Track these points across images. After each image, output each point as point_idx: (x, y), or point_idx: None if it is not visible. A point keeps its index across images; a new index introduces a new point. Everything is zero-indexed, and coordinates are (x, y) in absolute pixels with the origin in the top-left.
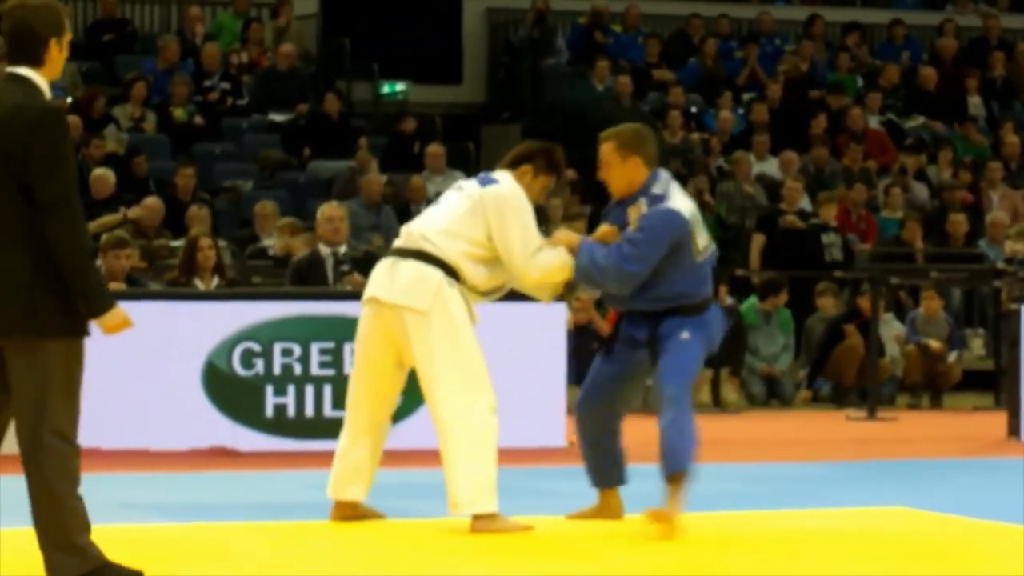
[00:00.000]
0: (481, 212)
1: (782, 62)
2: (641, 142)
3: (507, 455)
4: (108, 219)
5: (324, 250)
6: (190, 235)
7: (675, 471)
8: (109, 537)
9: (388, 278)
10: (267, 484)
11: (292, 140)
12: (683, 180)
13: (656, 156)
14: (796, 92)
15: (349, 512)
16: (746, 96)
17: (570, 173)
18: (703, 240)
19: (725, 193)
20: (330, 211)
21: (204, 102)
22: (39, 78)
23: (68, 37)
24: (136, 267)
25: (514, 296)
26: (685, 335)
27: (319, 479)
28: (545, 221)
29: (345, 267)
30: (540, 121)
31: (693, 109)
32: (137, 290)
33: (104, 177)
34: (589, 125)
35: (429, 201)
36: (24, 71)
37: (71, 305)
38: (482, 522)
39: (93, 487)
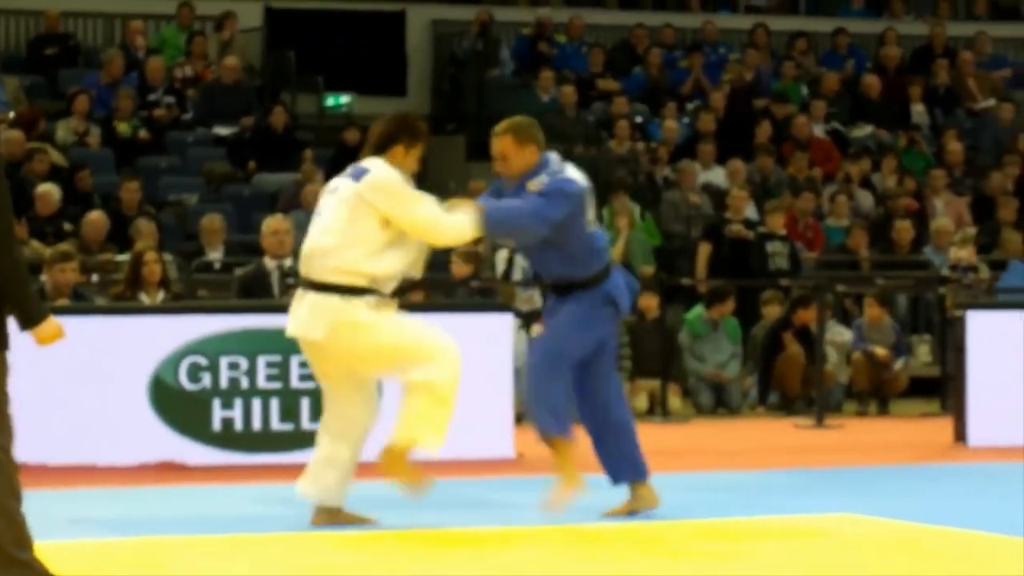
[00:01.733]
0: (365, 207)
1: (727, 71)
2: (534, 130)
3: (456, 467)
4: None
5: (270, 263)
6: (135, 249)
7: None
8: (57, 553)
9: (296, 312)
10: (215, 498)
11: (237, 153)
12: (628, 190)
13: (544, 143)
14: (741, 101)
15: (329, 518)
16: (691, 105)
17: None
18: (591, 215)
19: (671, 202)
20: (276, 224)
21: (148, 116)
22: None
23: None
24: (79, 282)
25: (458, 307)
26: (539, 330)
27: (267, 492)
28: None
29: (291, 280)
30: (485, 132)
31: (638, 119)
32: (83, 304)
33: (49, 193)
34: None
35: None
36: None
37: None
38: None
39: (40, 503)
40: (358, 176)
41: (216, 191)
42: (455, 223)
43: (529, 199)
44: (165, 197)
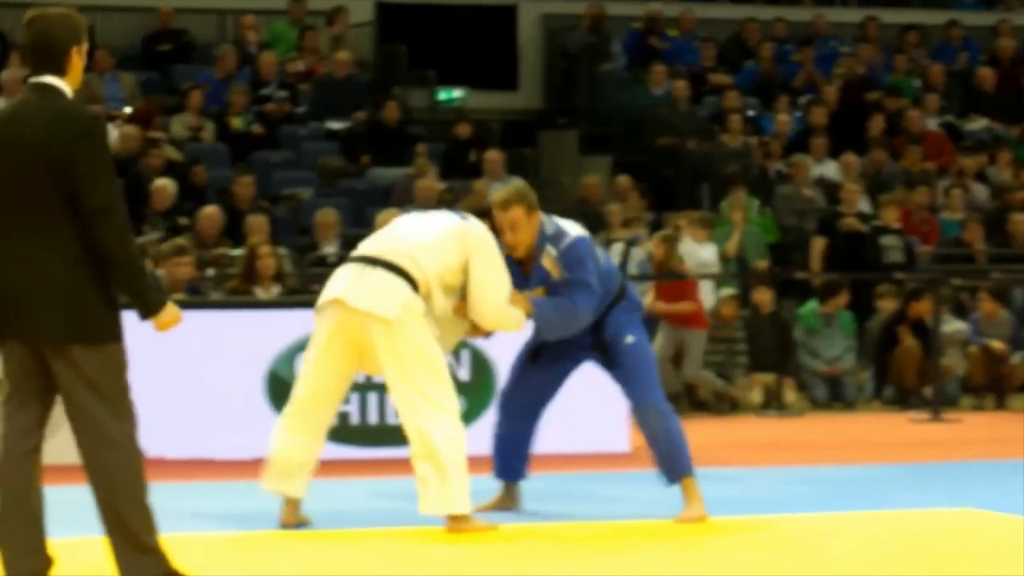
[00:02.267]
0: (462, 240)
1: (838, 64)
2: (534, 194)
3: (569, 461)
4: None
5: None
6: (249, 243)
7: (684, 476)
8: (174, 546)
9: (356, 283)
10: (331, 493)
11: (350, 148)
12: (745, 184)
13: None
14: (853, 94)
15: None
16: (803, 99)
17: (624, 180)
18: (588, 236)
19: (784, 196)
20: (390, 218)
21: (261, 111)
22: (65, 86)
23: (86, 46)
24: (195, 276)
25: None
26: (630, 339)
27: (383, 487)
28: (603, 227)
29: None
30: (597, 126)
31: (750, 112)
32: (198, 299)
33: (165, 188)
34: (647, 130)
35: None
36: (50, 80)
37: (112, 311)
38: (457, 522)
39: (158, 496)
40: (463, 216)
41: (330, 185)
42: (511, 315)
43: (572, 296)
44: (279, 191)
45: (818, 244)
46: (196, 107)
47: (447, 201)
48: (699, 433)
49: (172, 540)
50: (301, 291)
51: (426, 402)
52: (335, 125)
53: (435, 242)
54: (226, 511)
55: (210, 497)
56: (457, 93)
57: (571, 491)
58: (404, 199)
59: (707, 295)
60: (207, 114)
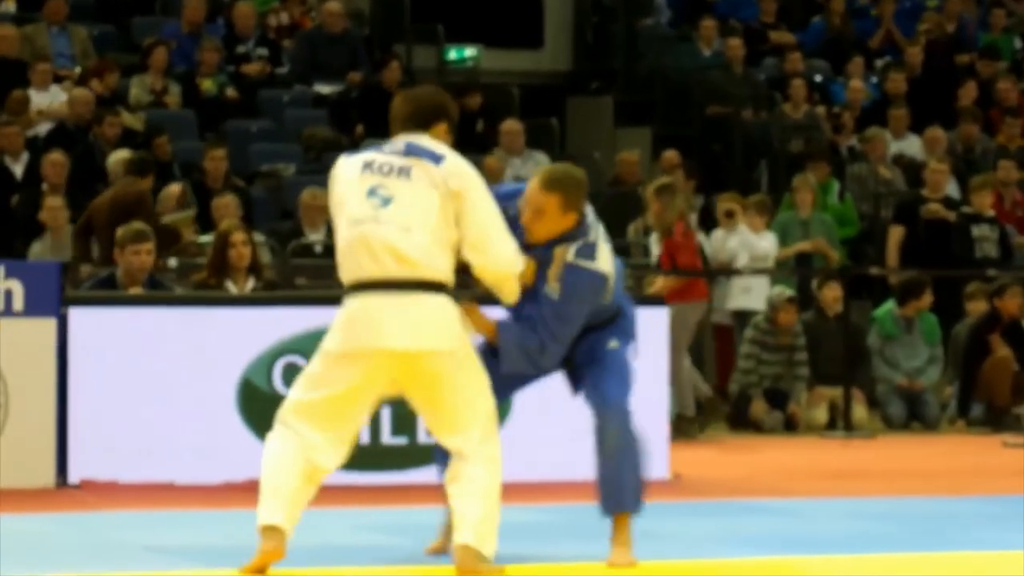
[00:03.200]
0: (450, 201)
1: (923, 20)
2: (582, 195)
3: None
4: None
5: None
6: (221, 229)
7: (624, 511)
8: None
9: (398, 321)
10: (310, 524)
11: (342, 115)
12: (804, 163)
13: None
14: (940, 57)
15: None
16: (880, 62)
17: (671, 156)
18: (612, 280)
19: (857, 177)
20: (317, 197)
21: (237, 72)
22: None
23: None
24: (156, 267)
25: None
26: (613, 344)
27: (371, 518)
28: (640, 212)
29: None
30: (635, 92)
31: (817, 78)
32: (159, 294)
33: (124, 160)
34: (694, 97)
35: None
36: None
37: None
38: (478, 561)
39: (110, 527)
40: (434, 159)
41: (317, 160)
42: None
43: (547, 325)
44: (257, 167)
45: (896, 234)
46: (159, 66)
47: None
48: (750, 457)
49: None
50: (281, 286)
51: (481, 433)
52: (324, 89)
53: (437, 229)
54: (188, 544)
55: (171, 528)
56: (469, 52)
57: (602, 524)
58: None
59: (760, 294)
60: (172, 75)
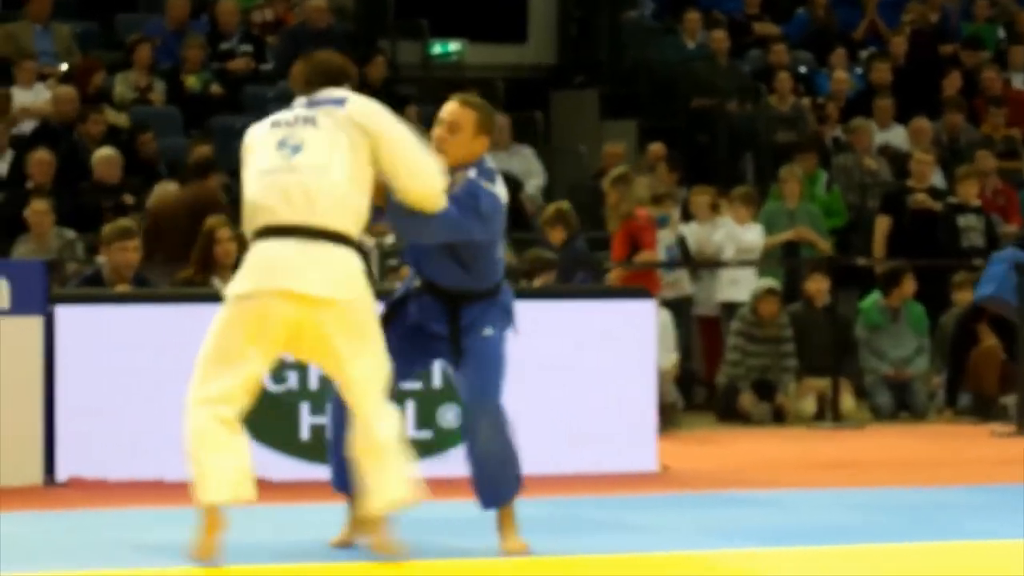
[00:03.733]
0: (363, 139)
1: (907, 11)
2: (494, 125)
3: (589, 482)
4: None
5: (368, 241)
6: (207, 225)
7: (504, 503)
8: None
9: (301, 264)
10: (303, 521)
11: None
12: (790, 154)
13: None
14: (925, 47)
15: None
16: (865, 53)
17: (657, 148)
18: (503, 215)
19: (842, 168)
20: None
21: (222, 68)
22: None
23: None
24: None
25: (590, 294)
26: (488, 331)
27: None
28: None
29: (394, 261)
30: (620, 85)
31: (802, 69)
32: (145, 292)
33: (110, 159)
34: (679, 90)
35: None
36: None
37: None
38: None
39: (96, 525)
40: (337, 103)
41: None
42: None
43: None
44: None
45: (882, 225)
46: (144, 63)
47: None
48: (738, 448)
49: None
50: None
51: (377, 394)
52: None
53: (350, 169)
54: (176, 542)
55: (158, 526)
56: (453, 46)
57: (587, 517)
58: None
59: (747, 286)
60: (157, 72)
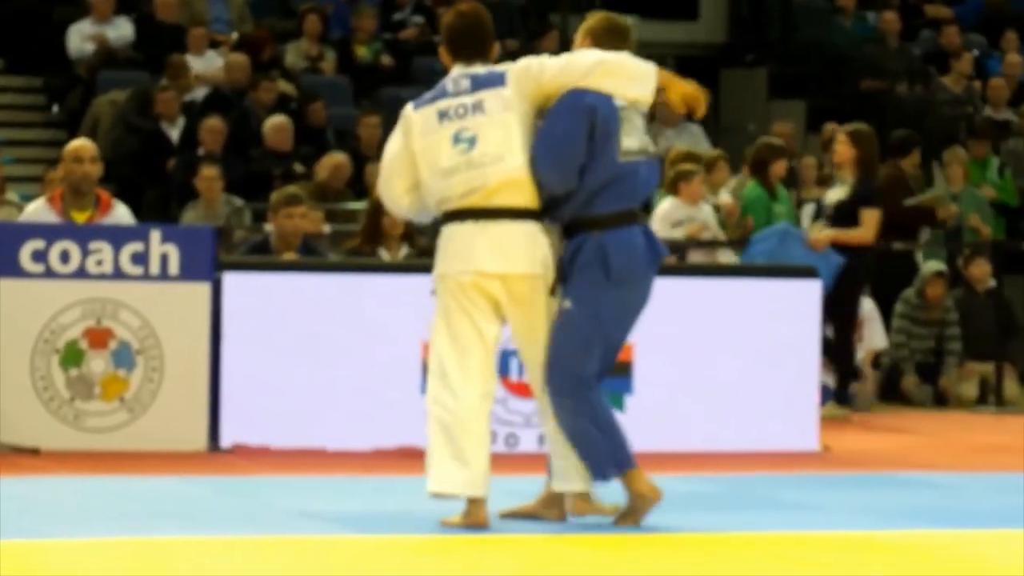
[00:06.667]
0: (530, 109)
1: None
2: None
3: (751, 460)
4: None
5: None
6: (374, 196)
7: (603, 478)
8: (280, 550)
9: (504, 246)
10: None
11: None
12: (961, 138)
13: None
14: None
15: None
16: None
17: (832, 128)
18: (632, 142)
19: (1012, 152)
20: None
21: (393, 39)
22: None
23: None
24: (315, 232)
25: (753, 272)
26: (567, 304)
27: (529, 485)
28: (794, 184)
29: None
30: (790, 65)
31: (974, 52)
32: (313, 260)
33: (282, 127)
34: (849, 70)
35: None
36: None
37: None
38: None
39: (262, 491)
40: (500, 82)
41: None
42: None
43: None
44: None
45: None
46: (315, 33)
47: None
48: (899, 430)
49: (275, 543)
50: (434, 253)
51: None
52: None
53: (520, 156)
54: (339, 511)
55: (321, 494)
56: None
57: (748, 495)
58: None
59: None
60: (328, 41)
